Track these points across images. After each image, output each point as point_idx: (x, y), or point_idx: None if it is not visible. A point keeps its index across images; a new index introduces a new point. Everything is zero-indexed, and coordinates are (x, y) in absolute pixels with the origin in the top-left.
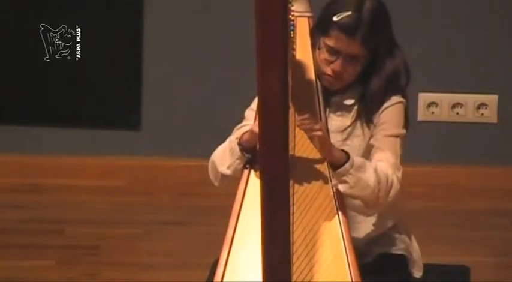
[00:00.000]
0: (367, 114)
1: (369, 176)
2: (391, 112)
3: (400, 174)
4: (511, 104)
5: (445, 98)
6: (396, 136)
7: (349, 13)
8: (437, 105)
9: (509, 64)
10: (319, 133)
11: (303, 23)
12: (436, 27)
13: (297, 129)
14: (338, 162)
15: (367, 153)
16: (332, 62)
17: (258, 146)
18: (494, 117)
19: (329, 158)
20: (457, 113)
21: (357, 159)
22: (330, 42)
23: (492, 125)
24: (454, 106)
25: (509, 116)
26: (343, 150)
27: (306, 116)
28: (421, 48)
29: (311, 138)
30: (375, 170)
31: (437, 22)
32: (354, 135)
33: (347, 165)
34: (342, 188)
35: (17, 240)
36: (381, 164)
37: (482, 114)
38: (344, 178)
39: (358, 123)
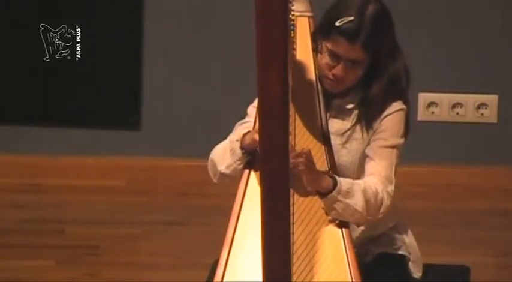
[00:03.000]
0: (367, 118)
1: (357, 200)
2: (390, 121)
3: (391, 188)
4: (511, 104)
5: (445, 98)
6: (393, 147)
7: (351, 18)
8: (437, 105)
9: (509, 64)
10: (302, 167)
11: (303, 22)
12: (436, 27)
13: (297, 129)
14: (325, 190)
15: (364, 157)
16: (333, 67)
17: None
18: (494, 117)
19: (317, 189)
20: (457, 113)
21: (344, 183)
22: (331, 46)
23: (492, 125)
24: (454, 106)
25: (509, 116)
26: (329, 176)
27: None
28: (421, 48)
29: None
30: (363, 191)
31: (437, 22)
32: (353, 138)
33: (334, 193)
34: (330, 214)
35: (17, 240)
36: (370, 179)
37: (482, 114)
38: (332, 205)
39: (358, 127)
